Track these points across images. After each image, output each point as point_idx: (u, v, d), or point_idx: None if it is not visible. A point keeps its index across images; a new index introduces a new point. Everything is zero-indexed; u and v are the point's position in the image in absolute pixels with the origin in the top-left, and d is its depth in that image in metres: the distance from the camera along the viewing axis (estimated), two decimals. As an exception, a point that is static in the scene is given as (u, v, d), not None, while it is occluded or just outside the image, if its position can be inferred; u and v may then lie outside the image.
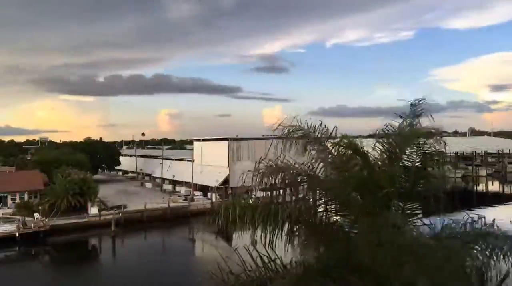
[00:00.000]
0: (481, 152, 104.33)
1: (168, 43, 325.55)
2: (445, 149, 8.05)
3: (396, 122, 8.55)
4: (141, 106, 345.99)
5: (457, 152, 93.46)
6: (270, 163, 7.75)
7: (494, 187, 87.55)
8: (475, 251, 6.72)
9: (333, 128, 8.45)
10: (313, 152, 8.15)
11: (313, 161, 8.03)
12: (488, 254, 6.61)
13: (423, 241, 6.25)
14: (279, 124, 8.31)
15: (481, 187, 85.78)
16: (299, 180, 7.63)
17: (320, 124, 8.49)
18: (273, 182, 7.47)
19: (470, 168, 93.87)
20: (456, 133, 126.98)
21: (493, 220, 7.87)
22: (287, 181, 7.52)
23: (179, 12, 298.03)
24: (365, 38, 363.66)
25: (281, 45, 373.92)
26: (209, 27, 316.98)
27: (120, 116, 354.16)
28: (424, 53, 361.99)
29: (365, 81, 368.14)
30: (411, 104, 8.44)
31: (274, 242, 7.40)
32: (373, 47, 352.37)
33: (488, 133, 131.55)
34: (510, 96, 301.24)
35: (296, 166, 7.85)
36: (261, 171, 7.53)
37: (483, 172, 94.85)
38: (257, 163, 7.69)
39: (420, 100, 8.39)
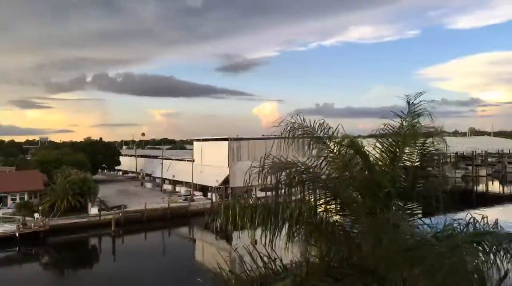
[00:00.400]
0: (481, 152, 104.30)
1: (141, 43, 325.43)
2: (446, 148, 8.03)
3: (394, 122, 8.51)
4: (123, 106, 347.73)
5: (457, 152, 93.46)
6: (275, 159, 7.73)
7: (494, 187, 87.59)
8: (475, 250, 6.71)
9: (336, 127, 8.43)
10: (314, 151, 8.13)
11: (315, 159, 8.01)
12: (488, 253, 6.60)
13: (425, 240, 6.24)
14: (281, 122, 8.30)
15: (481, 187, 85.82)
16: (304, 178, 7.61)
17: (323, 123, 8.48)
18: (278, 179, 7.43)
19: (470, 168, 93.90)
20: (456, 133, 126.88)
21: (496, 220, 7.82)
22: (295, 178, 7.49)
23: (148, 12, 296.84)
24: (356, 38, 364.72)
25: (261, 46, 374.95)
26: (181, 26, 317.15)
27: (115, 116, 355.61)
28: (420, 52, 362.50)
29: (354, 81, 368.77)
30: (410, 103, 8.38)
31: (274, 242, 7.38)
32: (363, 46, 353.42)
33: (488, 133, 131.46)
34: (504, 96, 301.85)
35: (299, 164, 7.83)
36: (267, 166, 7.50)
37: (483, 172, 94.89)
38: (262, 159, 7.67)
39: (420, 101, 8.34)
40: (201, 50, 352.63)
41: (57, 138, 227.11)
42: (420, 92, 8.35)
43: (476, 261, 6.22)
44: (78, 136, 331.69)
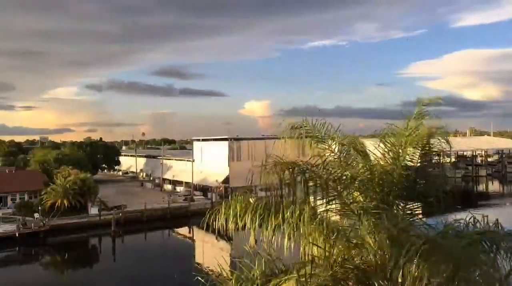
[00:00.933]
0: (481, 151, 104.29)
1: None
2: (450, 149, 8.04)
3: (397, 122, 8.51)
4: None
5: (457, 152, 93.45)
6: (276, 159, 7.72)
7: (494, 187, 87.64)
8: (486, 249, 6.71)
9: (338, 127, 8.42)
10: (315, 151, 8.12)
11: (317, 159, 8.00)
12: (491, 253, 6.60)
13: (434, 240, 6.22)
14: (282, 121, 8.30)
15: (481, 187, 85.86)
16: (305, 178, 7.60)
17: (325, 123, 8.47)
18: (280, 178, 7.41)
19: (470, 168, 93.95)
20: (456, 133, 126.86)
21: (497, 220, 7.81)
22: (296, 177, 7.47)
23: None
24: (350, 37, 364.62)
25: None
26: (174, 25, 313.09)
27: (114, 116, 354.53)
28: (414, 51, 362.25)
29: (345, 81, 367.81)
30: (417, 104, 8.38)
31: (274, 242, 7.36)
32: (359, 46, 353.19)
33: (488, 134, 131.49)
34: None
35: (300, 163, 7.81)
36: (268, 166, 7.48)
37: (483, 172, 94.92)
38: (263, 158, 7.65)
39: (423, 101, 8.33)
40: (196, 48, 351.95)
41: (58, 138, 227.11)
42: (429, 98, 8.36)
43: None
44: (78, 136, 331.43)
